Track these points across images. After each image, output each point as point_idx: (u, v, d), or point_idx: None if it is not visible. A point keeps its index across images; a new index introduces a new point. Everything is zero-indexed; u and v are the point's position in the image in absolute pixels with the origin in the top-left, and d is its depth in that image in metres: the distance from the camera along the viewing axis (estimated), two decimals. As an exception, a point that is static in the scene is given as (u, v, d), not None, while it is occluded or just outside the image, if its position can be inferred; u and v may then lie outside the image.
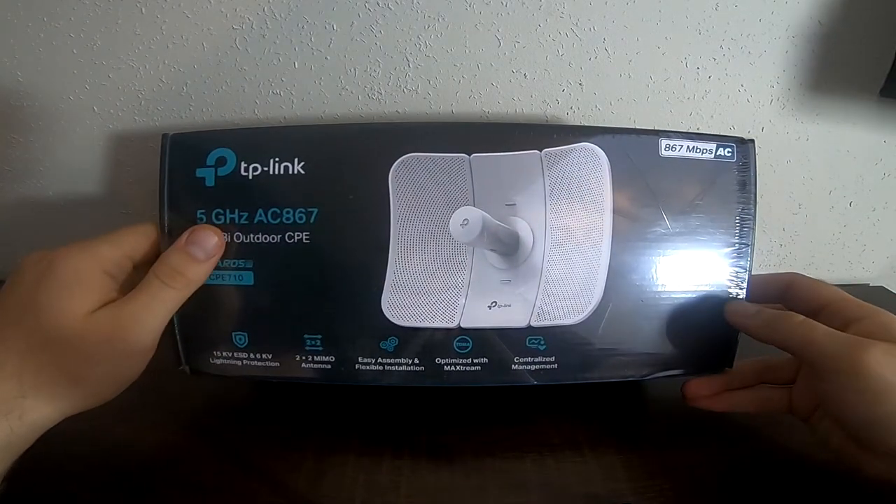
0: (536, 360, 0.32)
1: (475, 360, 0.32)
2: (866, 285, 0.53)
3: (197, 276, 0.29)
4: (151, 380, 0.36)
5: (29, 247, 0.28)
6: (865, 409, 0.25)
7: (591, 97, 0.43)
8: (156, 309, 0.28)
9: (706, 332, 0.33)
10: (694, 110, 0.44)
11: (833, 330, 0.27)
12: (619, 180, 0.31)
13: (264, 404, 0.36)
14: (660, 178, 0.32)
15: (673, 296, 0.32)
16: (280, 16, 0.40)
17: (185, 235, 0.29)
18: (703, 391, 0.33)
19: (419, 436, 0.33)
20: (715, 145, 0.32)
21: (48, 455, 0.27)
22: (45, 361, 0.25)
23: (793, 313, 0.29)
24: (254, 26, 0.40)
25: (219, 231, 0.30)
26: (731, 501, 0.29)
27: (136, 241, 0.29)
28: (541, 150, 0.31)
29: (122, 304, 0.27)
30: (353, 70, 0.42)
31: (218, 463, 0.31)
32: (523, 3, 0.40)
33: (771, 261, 0.51)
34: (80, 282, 0.26)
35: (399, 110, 0.43)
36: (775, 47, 0.42)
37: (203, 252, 0.29)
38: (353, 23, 0.40)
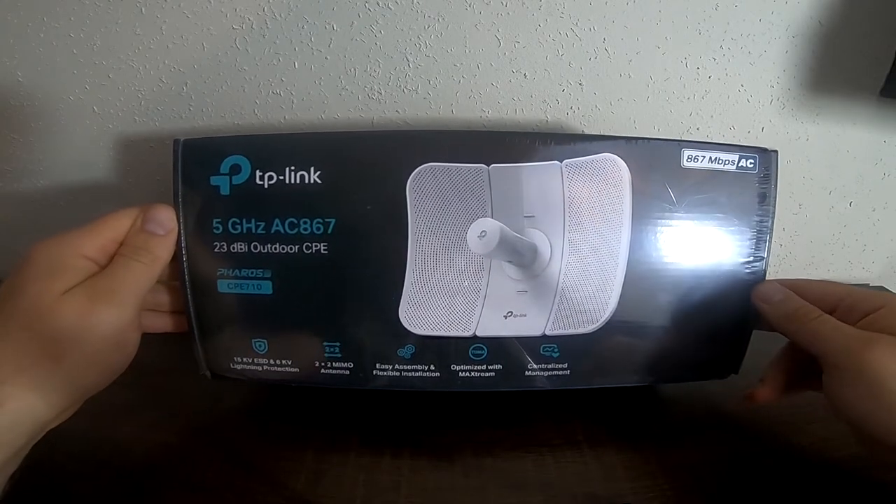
0: (549, 366, 0.33)
1: (490, 367, 0.32)
2: (866, 285, 0.53)
3: (160, 250, 0.29)
4: (152, 380, 0.36)
5: (29, 246, 0.28)
6: (863, 405, 0.25)
7: (591, 97, 0.43)
8: (127, 282, 0.28)
9: (716, 339, 0.33)
10: (694, 110, 0.44)
11: (842, 325, 0.27)
12: (639, 191, 0.31)
13: (264, 404, 0.36)
14: (680, 189, 0.32)
15: (686, 304, 0.32)
16: (280, 16, 0.40)
17: (140, 217, 0.30)
18: (770, 397, 0.31)
19: (419, 436, 0.33)
20: (737, 156, 0.32)
21: (49, 455, 0.27)
22: (23, 344, 0.25)
23: (812, 308, 0.29)
24: (254, 26, 0.40)
25: (171, 207, 0.31)
26: (732, 501, 0.29)
27: (117, 224, 0.29)
28: (561, 161, 0.31)
29: (95, 281, 0.27)
30: (353, 70, 0.42)
31: (218, 463, 0.31)
32: (523, 3, 0.40)
33: (771, 261, 0.51)
34: (57, 267, 0.27)
35: (399, 110, 0.43)
36: (775, 47, 0.42)
37: (161, 227, 0.30)
38: (353, 23, 0.40)
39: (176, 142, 0.31)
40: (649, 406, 0.37)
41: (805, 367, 0.29)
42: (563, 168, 0.31)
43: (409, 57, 0.41)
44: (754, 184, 0.32)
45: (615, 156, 0.31)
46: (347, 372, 0.32)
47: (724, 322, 0.33)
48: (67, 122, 0.43)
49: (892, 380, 0.24)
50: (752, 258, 0.33)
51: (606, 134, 0.32)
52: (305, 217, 0.31)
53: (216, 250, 0.31)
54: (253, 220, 0.31)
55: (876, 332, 0.26)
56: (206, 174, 0.31)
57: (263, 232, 0.31)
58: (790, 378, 0.31)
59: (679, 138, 0.41)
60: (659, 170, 0.31)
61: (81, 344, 0.26)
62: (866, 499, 0.29)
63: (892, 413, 0.24)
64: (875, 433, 0.25)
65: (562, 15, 0.41)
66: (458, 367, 0.32)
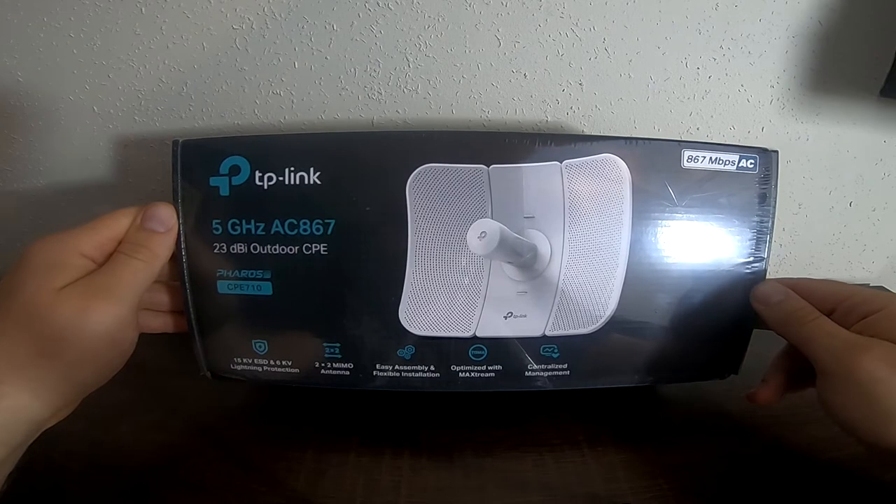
0: (549, 367, 0.33)
1: (489, 367, 0.32)
2: (866, 285, 0.53)
3: (159, 247, 0.29)
4: (152, 380, 0.36)
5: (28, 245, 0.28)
6: (852, 412, 0.25)
7: (591, 97, 0.43)
8: (125, 279, 0.27)
9: (716, 340, 0.33)
10: (694, 110, 0.44)
11: (837, 330, 0.27)
12: (640, 191, 0.31)
13: (264, 404, 0.36)
14: (680, 190, 0.32)
15: (686, 304, 0.32)
16: (280, 16, 0.40)
17: (140, 215, 0.30)
18: (772, 398, 0.31)
19: (419, 436, 0.33)
20: (738, 156, 0.32)
21: (48, 455, 0.27)
22: (19, 342, 0.25)
23: (809, 311, 0.29)
24: (254, 26, 0.40)
25: (171, 205, 0.31)
26: (731, 501, 0.29)
27: (116, 223, 0.29)
28: (561, 162, 0.31)
29: (92, 278, 0.27)
30: (353, 70, 0.42)
31: (218, 463, 0.31)
32: (523, 3, 0.40)
33: (771, 261, 0.51)
34: (55, 265, 0.26)
35: (399, 110, 0.43)
36: (775, 47, 0.42)
37: (161, 224, 0.30)
38: (353, 23, 0.40)
39: (175, 142, 0.31)
40: (649, 406, 0.37)
41: (806, 366, 0.29)
42: (563, 168, 0.31)
43: (409, 57, 0.41)
44: (754, 184, 0.32)
45: (615, 156, 0.31)
46: (347, 372, 0.32)
47: (724, 322, 0.33)
48: (67, 122, 0.43)
49: (880, 387, 0.24)
50: (752, 258, 0.33)
51: (606, 134, 0.32)
52: (305, 218, 0.31)
53: (216, 251, 0.31)
54: (252, 221, 0.31)
55: (869, 338, 0.26)
56: (206, 175, 0.31)
57: (263, 233, 0.31)
58: (791, 378, 0.31)
59: (679, 138, 0.41)
60: (659, 170, 0.31)
61: (77, 341, 0.26)
62: (866, 499, 0.29)
63: (880, 420, 0.25)
64: (865, 438, 0.26)
65: (562, 15, 0.41)
66: (457, 368, 0.32)
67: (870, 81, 0.43)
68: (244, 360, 0.33)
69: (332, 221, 0.31)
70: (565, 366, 0.33)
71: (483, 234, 0.31)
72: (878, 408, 0.24)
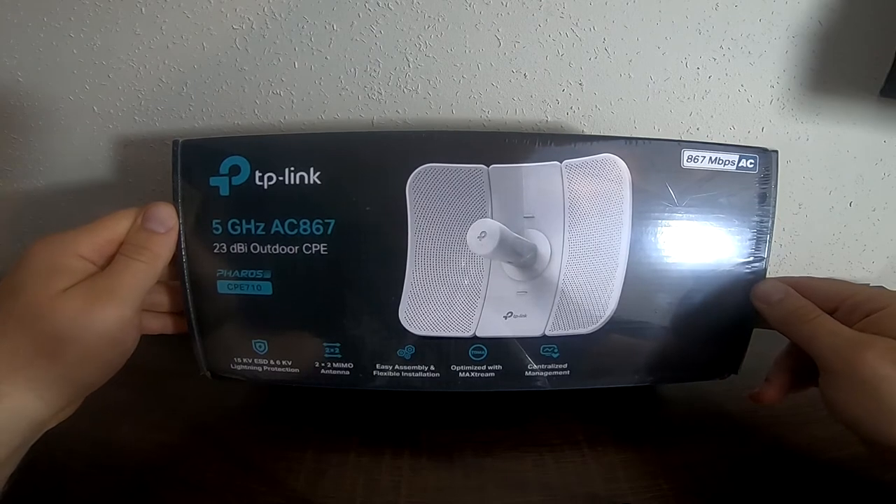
0: (549, 366, 0.33)
1: (489, 367, 0.32)
2: (866, 285, 0.53)
3: (160, 248, 0.29)
4: (152, 380, 0.36)
5: (28, 246, 0.28)
6: (856, 409, 0.25)
7: (591, 97, 0.43)
8: (127, 281, 0.28)
9: (716, 340, 0.33)
10: (694, 110, 0.44)
11: (838, 327, 0.27)
12: (640, 191, 0.31)
13: (264, 404, 0.36)
14: (680, 189, 0.32)
15: (686, 304, 0.32)
16: (280, 16, 0.40)
17: (140, 215, 0.30)
18: (776, 397, 0.31)
19: (419, 436, 0.33)
20: (737, 156, 0.32)
21: (49, 455, 0.27)
22: (19, 343, 0.25)
23: (811, 309, 0.29)
24: (254, 26, 0.40)
25: (171, 205, 0.31)
26: (732, 501, 0.29)
27: (115, 225, 0.29)
28: (561, 162, 0.31)
29: (94, 280, 0.27)
30: (353, 70, 0.42)
31: (218, 463, 0.31)
32: (523, 3, 0.40)
33: (771, 261, 0.51)
34: (53, 267, 0.27)
35: (399, 110, 0.43)
36: (775, 47, 0.42)
37: (161, 225, 0.30)
38: (353, 23, 0.40)
39: (175, 142, 0.31)
40: (649, 406, 0.37)
41: (809, 365, 0.29)
42: (563, 168, 0.31)
43: (409, 57, 0.41)
44: (754, 184, 0.32)
45: (615, 156, 0.31)
46: (347, 372, 0.32)
47: (724, 322, 0.33)
48: (67, 122, 0.43)
49: (884, 384, 0.24)
50: (752, 258, 0.33)
51: (606, 134, 0.32)
52: (305, 218, 0.31)
53: (216, 251, 0.31)
54: (252, 221, 0.31)
55: (872, 335, 0.26)
56: (206, 175, 0.31)
57: (263, 233, 0.31)
58: (794, 377, 0.31)
59: (679, 138, 0.41)
60: (659, 170, 0.31)
61: (79, 341, 0.26)
62: (866, 499, 0.29)
63: (883, 417, 0.24)
64: (868, 436, 0.26)
65: (562, 15, 0.40)
66: (457, 368, 0.32)
67: (870, 81, 0.43)
68: (244, 360, 0.33)
69: (332, 221, 0.31)
70: (565, 366, 0.33)
71: (483, 234, 0.31)
72: (882, 405, 0.24)
